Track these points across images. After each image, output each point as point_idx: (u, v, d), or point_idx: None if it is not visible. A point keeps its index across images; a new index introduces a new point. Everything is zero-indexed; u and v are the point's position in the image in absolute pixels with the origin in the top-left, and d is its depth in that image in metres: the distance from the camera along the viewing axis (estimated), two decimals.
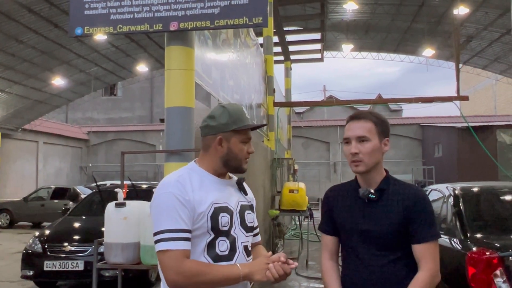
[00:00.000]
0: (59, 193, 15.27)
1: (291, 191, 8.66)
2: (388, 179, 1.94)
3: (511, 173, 13.00)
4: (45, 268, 6.07)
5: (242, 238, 1.75)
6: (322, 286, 7.58)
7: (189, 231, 1.61)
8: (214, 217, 1.66)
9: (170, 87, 3.62)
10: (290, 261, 1.67)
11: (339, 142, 25.58)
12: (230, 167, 1.78)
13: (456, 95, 10.50)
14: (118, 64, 21.09)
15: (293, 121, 21.14)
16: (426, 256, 1.81)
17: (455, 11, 11.39)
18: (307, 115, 33.40)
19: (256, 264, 1.67)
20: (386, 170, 1.98)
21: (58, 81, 19.62)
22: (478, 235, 3.45)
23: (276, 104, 11.07)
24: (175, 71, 3.57)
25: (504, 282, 2.96)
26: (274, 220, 8.87)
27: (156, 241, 1.60)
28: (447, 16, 16.12)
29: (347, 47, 21.98)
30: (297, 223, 9.73)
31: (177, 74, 3.57)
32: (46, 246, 6.24)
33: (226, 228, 1.69)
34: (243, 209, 1.80)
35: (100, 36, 15.17)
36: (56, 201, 14.85)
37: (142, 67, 22.18)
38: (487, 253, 3.09)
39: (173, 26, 3.47)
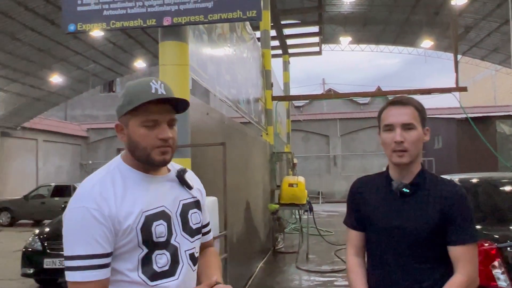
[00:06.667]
0: (60, 190, 15.33)
1: (291, 185, 8.66)
2: (424, 173, 1.77)
3: (511, 164, 12.98)
4: (45, 266, 6.12)
5: (187, 246, 1.44)
6: (325, 279, 7.54)
7: (107, 255, 1.29)
8: (146, 229, 1.33)
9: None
10: None
11: (339, 135, 25.55)
12: (140, 160, 1.39)
13: (455, 86, 10.49)
14: (116, 60, 21.01)
15: (292, 115, 21.12)
16: (463, 259, 1.64)
17: (452, 2, 11.32)
18: (307, 109, 33.33)
19: None
20: (421, 163, 1.80)
21: (56, 79, 19.57)
22: (477, 227, 3.43)
23: (274, 98, 11.05)
24: (170, 67, 3.55)
25: (502, 273, 2.96)
26: (274, 214, 8.88)
27: (66, 269, 1.29)
28: (445, 7, 16.04)
29: (345, 39, 21.92)
30: (297, 217, 9.73)
31: (171, 69, 3.55)
32: (45, 244, 6.29)
33: (163, 239, 1.36)
34: (186, 209, 1.47)
35: (97, 33, 15.09)
36: (56, 198, 14.87)
37: (139, 63, 22.11)
38: (486, 245, 3.08)
39: (166, 21, 3.44)
